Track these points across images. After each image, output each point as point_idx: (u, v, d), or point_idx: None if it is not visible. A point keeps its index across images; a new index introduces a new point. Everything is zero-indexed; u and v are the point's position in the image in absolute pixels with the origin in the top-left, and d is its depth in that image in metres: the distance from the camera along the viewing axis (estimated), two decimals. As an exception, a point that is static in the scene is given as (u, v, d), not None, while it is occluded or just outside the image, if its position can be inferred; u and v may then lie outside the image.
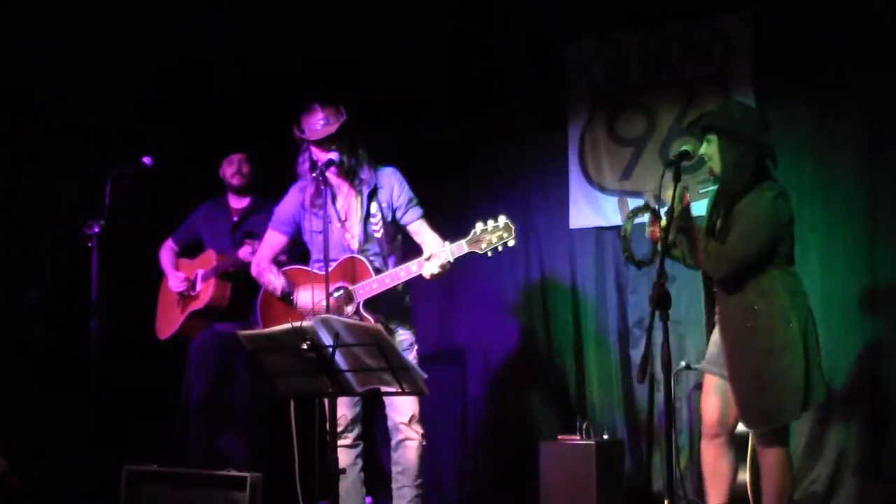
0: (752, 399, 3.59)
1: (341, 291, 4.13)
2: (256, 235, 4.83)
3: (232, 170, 5.22)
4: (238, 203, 5.27)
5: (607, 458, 4.85)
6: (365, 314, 4.07)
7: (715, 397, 3.76)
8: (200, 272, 5.15)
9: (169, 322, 5.27)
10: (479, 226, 3.85)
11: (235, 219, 5.22)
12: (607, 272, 5.53)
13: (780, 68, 5.09)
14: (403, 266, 4.03)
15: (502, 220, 3.83)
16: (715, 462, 3.78)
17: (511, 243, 3.82)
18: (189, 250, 5.34)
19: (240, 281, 5.00)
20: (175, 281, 5.21)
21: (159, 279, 5.41)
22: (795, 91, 5.10)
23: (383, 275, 4.06)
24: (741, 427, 3.86)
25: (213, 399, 5.12)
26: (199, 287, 5.14)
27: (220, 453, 5.09)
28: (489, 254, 3.84)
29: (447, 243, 3.96)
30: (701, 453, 3.85)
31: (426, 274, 3.98)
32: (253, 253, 4.69)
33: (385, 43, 5.91)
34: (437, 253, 3.94)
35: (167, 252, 5.35)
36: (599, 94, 5.61)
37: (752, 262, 3.60)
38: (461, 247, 3.89)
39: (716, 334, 3.79)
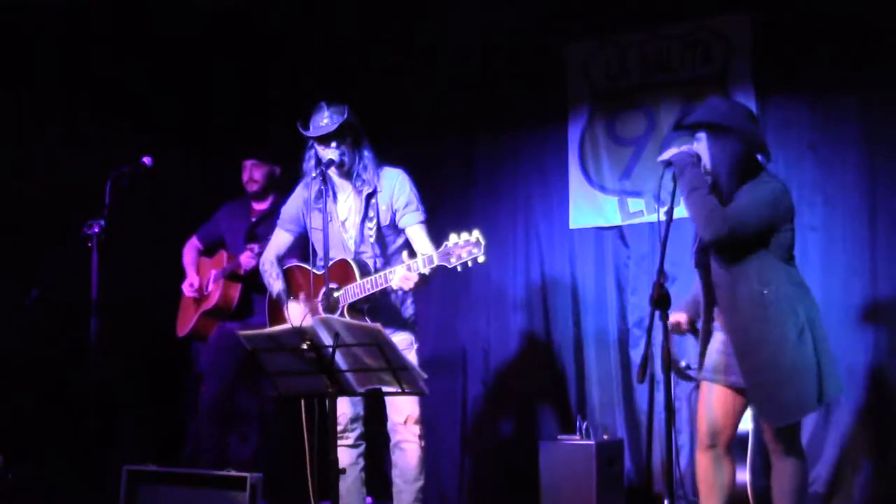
0: (772, 392, 3.49)
1: (321, 297, 4.13)
2: (265, 238, 4.85)
3: (245, 177, 5.24)
4: (259, 205, 5.29)
5: (607, 458, 4.86)
6: (348, 318, 4.04)
7: (714, 407, 3.68)
8: (213, 272, 5.20)
9: (186, 320, 5.33)
10: (451, 237, 3.76)
11: (253, 219, 5.24)
12: (607, 272, 5.53)
13: (780, 68, 5.09)
14: (383, 272, 4.00)
15: (475, 234, 3.72)
16: (711, 473, 3.70)
17: (481, 259, 3.72)
18: (213, 248, 5.38)
19: (249, 283, 5.05)
20: (186, 284, 5.28)
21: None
22: (795, 91, 5.10)
23: (365, 280, 4.04)
24: (739, 428, 3.84)
25: (226, 398, 5.14)
26: (210, 287, 5.19)
27: (231, 452, 5.09)
28: (458, 268, 3.76)
29: (420, 255, 3.90)
30: (697, 464, 3.77)
31: (394, 285, 3.93)
32: (253, 257, 4.81)
33: (386, 44, 5.92)
34: (409, 264, 3.88)
35: (190, 250, 5.40)
36: (599, 94, 5.61)
37: (747, 235, 3.51)
38: (431, 259, 3.82)
39: (716, 343, 3.70)
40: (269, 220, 5.15)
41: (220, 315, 5.17)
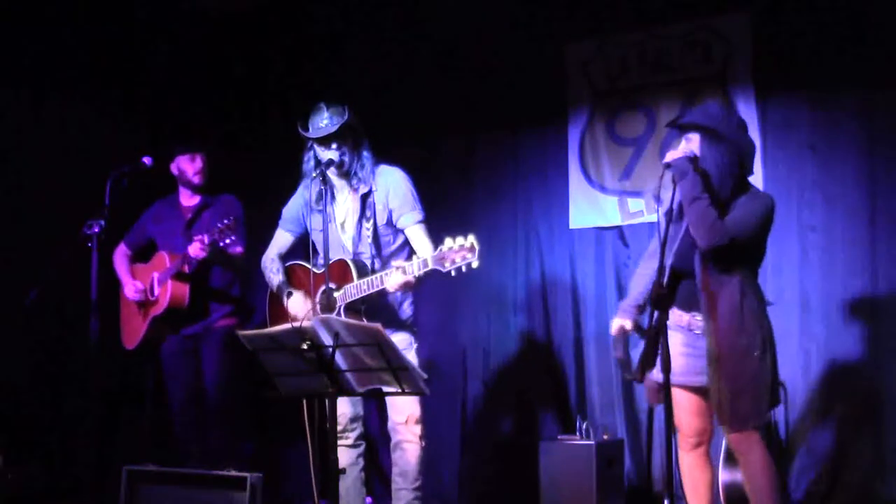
0: (734, 399, 3.54)
1: (319, 296, 4.13)
2: (207, 230, 4.71)
3: (195, 168, 5.04)
4: (189, 201, 5.11)
5: (607, 458, 4.86)
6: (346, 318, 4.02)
7: (693, 408, 3.70)
8: (156, 275, 4.98)
9: (133, 331, 5.10)
10: (447, 241, 3.74)
11: (189, 216, 5.07)
12: (607, 272, 5.53)
13: (780, 68, 5.09)
14: (379, 274, 3.99)
15: (469, 239, 3.70)
16: (696, 473, 3.73)
17: (474, 265, 3.69)
18: (142, 253, 5.20)
19: (197, 280, 4.91)
20: (130, 289, 5.04)
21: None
22: (795, 91, 5.10)
23: (362, 280, 4.03)
24: None
25: (193, 401, 5.02)
26: (156, 292, 4.96)
27: (212, 453, 5.06)
28: (452, 273, 3.75)
29: (415, 258, 3.87)
30: (680, 465, 3.79)
31: (389, 287, 3.92)
32: (203, 248, 4.61)
33: (386, 44, 5.92)
34: (404, 266, 3.87)
35: (121, 258, 5.19)
36: (599, 94, 5.61)
37: (745, 247, 3.55)
38: (426, 263, 3.81)
39: (676, 345, 3.64)
40: (206, 211, 5.04)
41: (172, 318, 4.93)
